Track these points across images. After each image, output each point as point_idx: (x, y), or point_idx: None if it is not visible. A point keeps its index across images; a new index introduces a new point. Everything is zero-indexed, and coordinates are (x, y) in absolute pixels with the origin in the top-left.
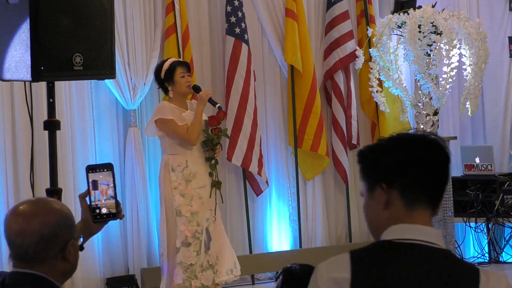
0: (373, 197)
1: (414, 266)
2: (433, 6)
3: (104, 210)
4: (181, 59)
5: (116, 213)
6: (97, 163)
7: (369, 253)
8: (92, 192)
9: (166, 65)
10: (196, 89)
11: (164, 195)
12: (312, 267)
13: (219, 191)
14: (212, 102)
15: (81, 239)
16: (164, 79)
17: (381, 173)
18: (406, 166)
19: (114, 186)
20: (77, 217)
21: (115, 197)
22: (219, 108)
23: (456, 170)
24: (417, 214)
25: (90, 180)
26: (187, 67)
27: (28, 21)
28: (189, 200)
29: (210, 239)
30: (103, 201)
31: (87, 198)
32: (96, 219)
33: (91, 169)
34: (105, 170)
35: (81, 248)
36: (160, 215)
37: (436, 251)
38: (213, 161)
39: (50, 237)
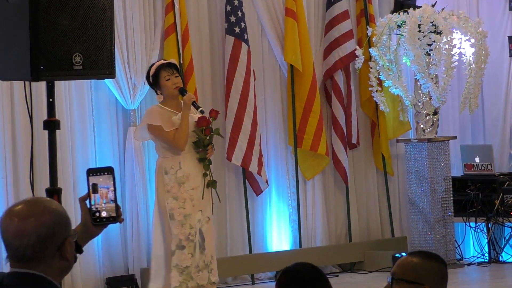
0: None
1: None
2: (433, 6)
3: (104, 214)
4: (167, 61)
5: (116, 217)
6: (97, 162)
7: None
8: (92, 195)
9: (152, 71)
10: (182, 92)
11: (158, 198)
12: (314, 266)
13: (215, 190)
14: (195, 105)
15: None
16: (153, 84)
17: None
18: None
19: (115, 190)
20: (77, 219)
21: (115, 200)
22: (201, 112)
23: (456, 169)
24: None
25: (90, 183)
26: (174, 68)
27: (28, 20)
28: (181, 203)
29: (204, 239)
30: (103, 204)
31: (87, 201)
32: (95, 222)
33: (91, 172)
34: (106, 173)
35: (81, 251)
36: (153, 218)
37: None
38: (206, 161)
39: (47, 236)
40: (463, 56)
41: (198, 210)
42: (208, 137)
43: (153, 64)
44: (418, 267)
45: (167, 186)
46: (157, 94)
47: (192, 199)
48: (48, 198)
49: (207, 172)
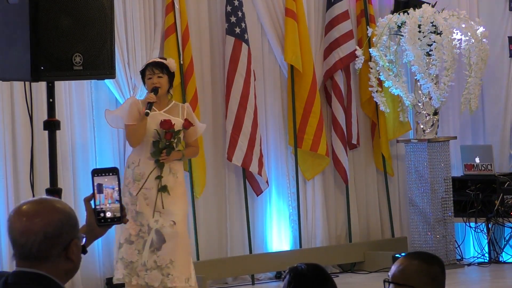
0: None
1: None
2: (433, 6)
3: (108, 214)
4: (158, 60)
5: (121, 217)
6: (97, 163)
7: None
8: (97, 195)
9: (143, 67)
10: (152, 90)
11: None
12: (319, 266)
13: (161, 197)
14: (148, 105)
15: (84, 240)
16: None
17: None
18: None
19: (119, 190)
20: (79, 219)
21: (119, 201)
22: (146, 114)
23: (456, 170)
24: None
25: (95, 184)
26: (159, 67)
27: (28, 21)
28: (134, 199)
29: (164, 241)
30: (107, 204)
31: (92, 202)
32: (100, 222)
33: (96, 172)
34: (111, 174)
35: (85, 251)
36: None
37: None
38: (158, 163)
39: (54, 236)
40: (463, 57)
41: (156, 211)
42: (166, 141)
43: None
44: (407, 269)
45: (126, 180)
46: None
47: (146, 198)
48: (57, 199)
49: (161, 175)
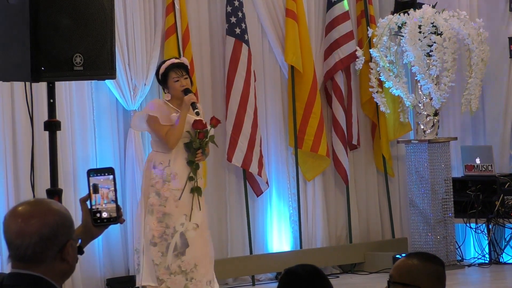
0: None
1: None
2: (433, 7)
3: (104, 214)
4: (178, 61)
5: (117, 217)
6: (97, 163)
7: None
8: (93, 195)
9: (161, 70)
10: (185, 92)
11: (142, 192)
12: (315, 267)
13: (198, 198)
14: (193, 106)
15: (79, 241)
16: (161, 82)
17: None
18: None
19: (115, 190)
20: (77, 220)
21: (115, 201)
22: (197, 113)
23: (456, 170)
24: None
25: (91, 184)
26: (184, 69)
27: (28, 21)
28: (163, 200)
29: (187, 245)
30: (103, 205)
31: (88, 202)
32: (96, 223)
33: (92, 172)
34: (106, 174)
35: (81, 252)
36: (137, 211)
37: None
38: (193, 165)
39: (50, 237)
40: (464, 57)
41: (183, 214)
42: (199, 141)
43: (164, 62)
44: (413, 269)
45: (152, 180)
46: (165, 92)
47: (176, 200)
48: (52, 200)
49: (193, 176)
